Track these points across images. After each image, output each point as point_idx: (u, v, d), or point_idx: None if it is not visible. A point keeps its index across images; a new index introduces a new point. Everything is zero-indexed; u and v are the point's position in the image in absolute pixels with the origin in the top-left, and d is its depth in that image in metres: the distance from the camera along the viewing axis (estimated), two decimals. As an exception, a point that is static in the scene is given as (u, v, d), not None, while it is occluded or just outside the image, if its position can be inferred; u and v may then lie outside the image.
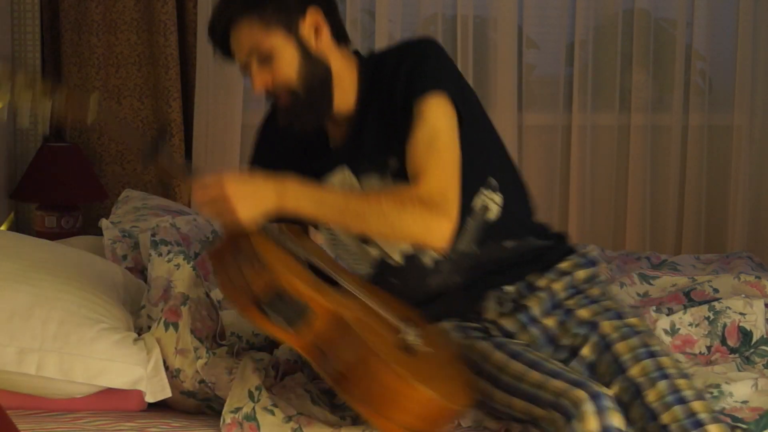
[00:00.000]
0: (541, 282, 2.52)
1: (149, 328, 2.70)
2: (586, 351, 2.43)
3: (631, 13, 4.35)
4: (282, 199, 2.26)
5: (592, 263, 2.58)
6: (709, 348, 2.88)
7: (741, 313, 2.89)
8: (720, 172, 4.42)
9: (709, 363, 2.81)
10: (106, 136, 4.16)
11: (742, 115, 4.35)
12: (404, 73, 2.37)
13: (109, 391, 2.59)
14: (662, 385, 2.30)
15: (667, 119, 4.38)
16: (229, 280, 2.23)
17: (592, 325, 2.45)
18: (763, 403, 2.52)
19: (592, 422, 2.19)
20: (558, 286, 2.52)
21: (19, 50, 4.14)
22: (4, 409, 2.02)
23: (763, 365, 2.79)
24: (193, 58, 4.18)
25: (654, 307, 3.04)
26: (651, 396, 2.29)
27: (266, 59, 2.39)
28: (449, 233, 2.29)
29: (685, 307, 3.03)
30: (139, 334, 2.66)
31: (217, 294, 2.88)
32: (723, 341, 2.87)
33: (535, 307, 2.49)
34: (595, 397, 2.22)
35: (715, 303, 2.92)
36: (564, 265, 2.55)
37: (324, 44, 2.43)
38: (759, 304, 2.89)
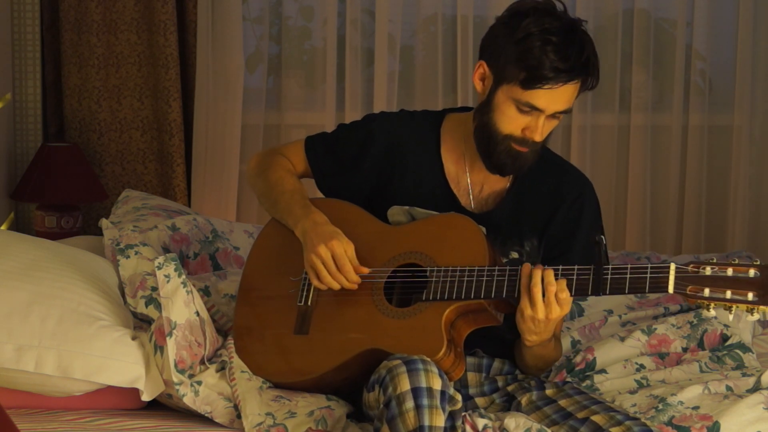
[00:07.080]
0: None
1: (138, 319, 2.71)
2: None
3: (631, 13, 4.34)
4: None
5: None
6: (685, 349, 2.87)
7: (725, 325, 2.89)
8: (720, 172, 4.41)
9: (678, 363, 2.81)
10: (106, 136, 4.16)
11: (742, 115, 4.35)
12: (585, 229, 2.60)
13: (108, 389, 2.59)
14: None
15: (667, 119, 4.37)
16: None
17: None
18: (713, 409, 2.53)
19: (404, 383, 2.23)
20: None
21: (19, 50, 4.14)
22: (4, 409, 2.02)
23: (732, 368, 2.78)
24: (193, 58, 4.17)
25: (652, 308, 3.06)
26: None
27: (557, 117, 2.49)
28: None
29: (681, 308, 3.04)
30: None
31: (216, 297, 2.88)
32: (700, 344, 2.87)
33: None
34: (408, 362, 2.26)
35: (703, 311, 2.92)
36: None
37: None
38: (747, 320, 2.89)
